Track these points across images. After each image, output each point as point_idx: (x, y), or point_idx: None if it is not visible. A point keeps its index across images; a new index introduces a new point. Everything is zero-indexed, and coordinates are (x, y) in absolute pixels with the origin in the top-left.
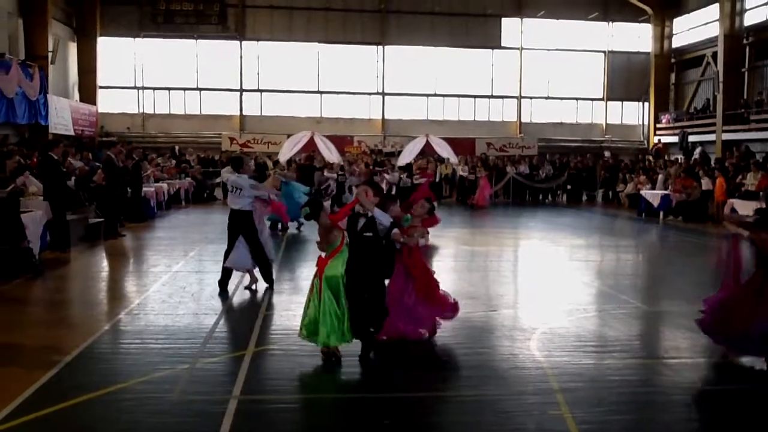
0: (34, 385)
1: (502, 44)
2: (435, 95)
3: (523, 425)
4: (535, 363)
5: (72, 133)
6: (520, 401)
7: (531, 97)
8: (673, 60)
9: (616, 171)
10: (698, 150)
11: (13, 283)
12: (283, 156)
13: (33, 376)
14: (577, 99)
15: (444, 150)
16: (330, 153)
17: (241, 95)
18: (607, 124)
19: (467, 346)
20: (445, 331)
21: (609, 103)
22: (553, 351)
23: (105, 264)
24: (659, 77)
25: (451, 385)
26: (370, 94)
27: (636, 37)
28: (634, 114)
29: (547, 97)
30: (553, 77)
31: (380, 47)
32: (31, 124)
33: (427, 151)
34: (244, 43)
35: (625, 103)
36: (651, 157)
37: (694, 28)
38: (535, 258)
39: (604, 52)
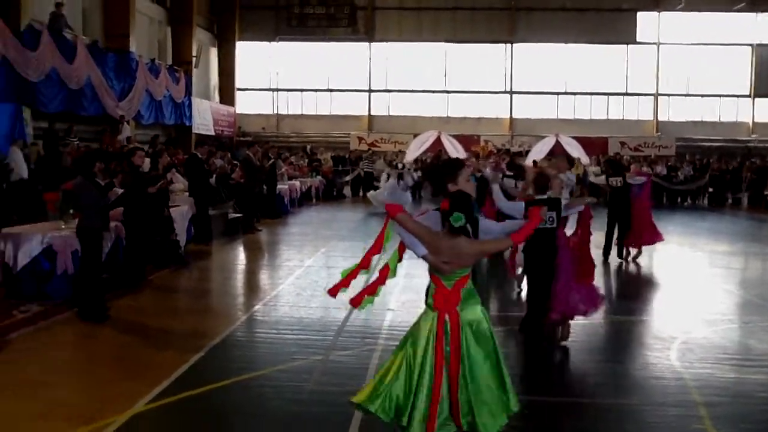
0: (184, 366)
1: (638, 39)
2: (565, 93)
3: None
4: (675, 374)
5: (212, 133)
6: (661, 413)
7: (669, 95)
8: None
9: (765, 173)
10: None
11: (163, 272)
12: (411, 155)
13: (183, 359)
14: (720, 96)
15: (575, 150)
16: (457, 152)
17: (369, 95)
18: (754, 122)
19: (603, 353)
20: (580, 337)
21: (756, 99)
22: (694, 362)
23: (243, 257)
24: None
25: (589, 391)
26: (497, 92)
27: None
28: None
29: (687, 95)
30: (694, 73)
31: (509, 45)
32: (177, 125)
33: (557, 151)
34: (373, 44)
35: None
36: None
37: None
38: (673, 263)
39: (752, 45)
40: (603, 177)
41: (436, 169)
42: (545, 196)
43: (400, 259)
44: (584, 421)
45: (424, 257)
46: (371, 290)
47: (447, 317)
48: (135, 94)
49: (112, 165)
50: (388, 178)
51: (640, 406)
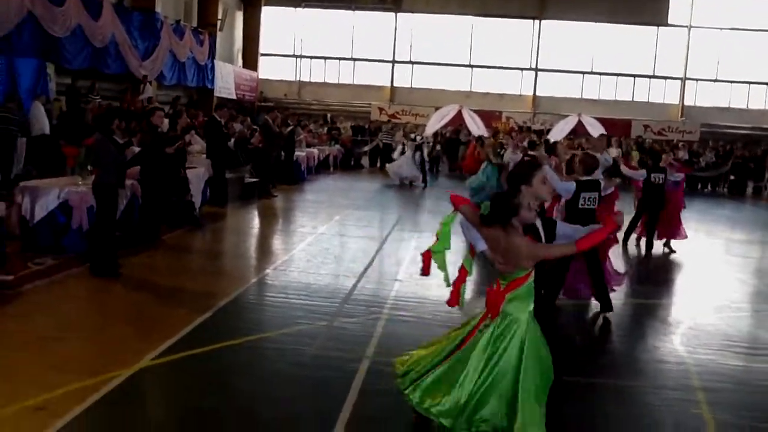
0: (191, 325)
1: (669, 22)
2: (591, 73)
3: (661, 420)
4: (677, 358)
5: (234, 97)
6: (662, 395)
7: (697, 79)
8: None
9: None
10: None
11: (177, 233)
12: (430, 128)
13: (192, 317)
14: (749, 83)
15: (597, 130)
16: (477, 128)
17: (393, 66)
18: None
19: (609, 334)
20: (588, 318)
21: None
22: (697, 348)
23: (257, 221)
24: None
25: (594, 371)
26: (522, 69)
27: None
28: None
29: (715, 80)
30: (724, 58)
31: (537, 21)
32: (199, 87)
33: (579, 131)
34: (399, 14)
35: None
36: None
37: None
38: (687, 250)
39: None
40: (644, 171)
41: (512, 171)
42: (591, 177)
43: (472, 256)
44: (585, 401)
45: (483, 252)
46: (457, 289)
47: (490, 317)
48: (158, 54)
49: (132, 124)
50: (403, 151)
51: (641, 387)
